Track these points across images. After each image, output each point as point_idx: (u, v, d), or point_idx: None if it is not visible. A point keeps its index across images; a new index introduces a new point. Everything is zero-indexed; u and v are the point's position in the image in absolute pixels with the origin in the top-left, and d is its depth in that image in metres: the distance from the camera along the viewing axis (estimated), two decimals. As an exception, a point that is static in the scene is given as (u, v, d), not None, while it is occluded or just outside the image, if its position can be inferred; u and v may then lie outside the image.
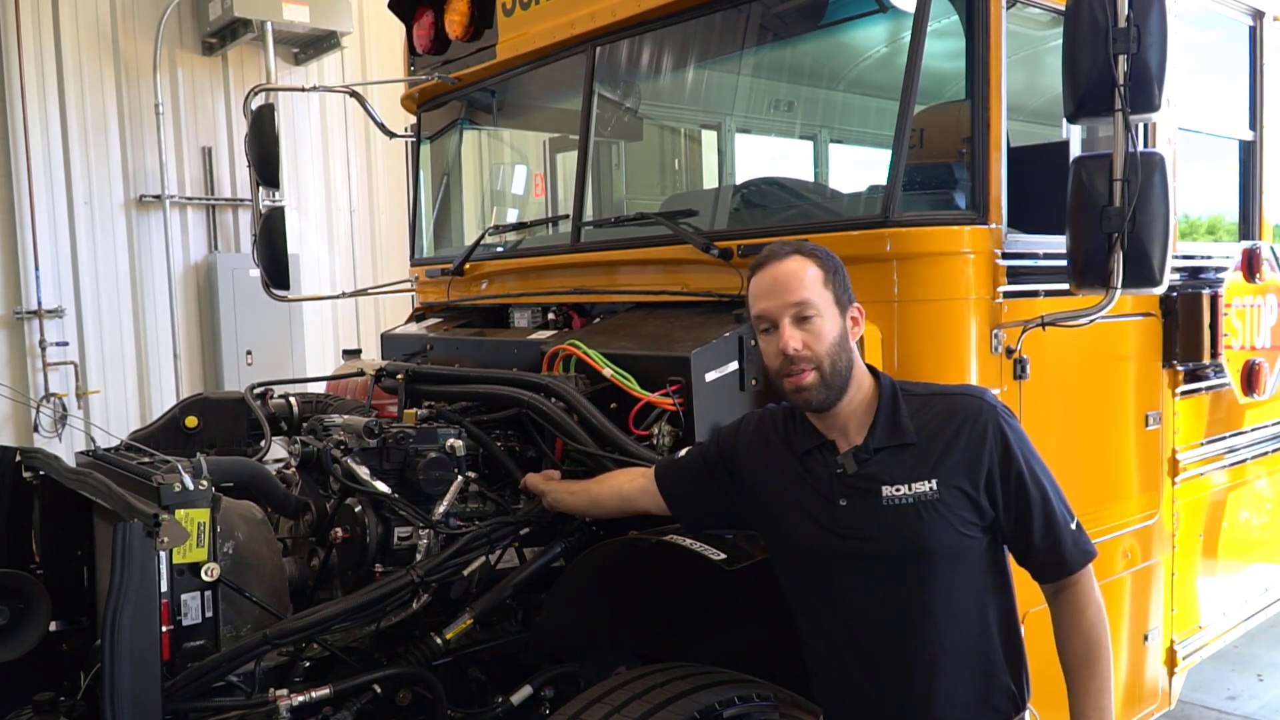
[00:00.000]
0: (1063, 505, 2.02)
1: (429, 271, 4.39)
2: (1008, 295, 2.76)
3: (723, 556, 2.19)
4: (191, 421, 3.41)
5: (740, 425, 2.30)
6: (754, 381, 2.78)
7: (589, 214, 3.62)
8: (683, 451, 2.43)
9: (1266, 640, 5.33)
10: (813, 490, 2.07)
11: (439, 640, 2.48)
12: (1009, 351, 2.75)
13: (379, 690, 2.39)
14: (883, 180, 2.76)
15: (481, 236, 4.05)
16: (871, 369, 2.13)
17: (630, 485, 2.46)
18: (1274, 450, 4.09)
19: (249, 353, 8.67)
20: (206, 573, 2.22)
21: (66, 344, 7.97)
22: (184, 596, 2.21)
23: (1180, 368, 3.42)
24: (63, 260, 7.99)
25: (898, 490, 1.97)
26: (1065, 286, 2.55)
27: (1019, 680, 2.07)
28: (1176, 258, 3.25)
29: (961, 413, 2.01)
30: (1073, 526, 2.02)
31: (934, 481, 1.95)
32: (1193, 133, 3.54)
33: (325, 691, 2.29)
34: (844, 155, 4.39)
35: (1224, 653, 4.49)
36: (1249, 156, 3.85)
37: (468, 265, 4.06)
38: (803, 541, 2.10)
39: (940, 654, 1.99)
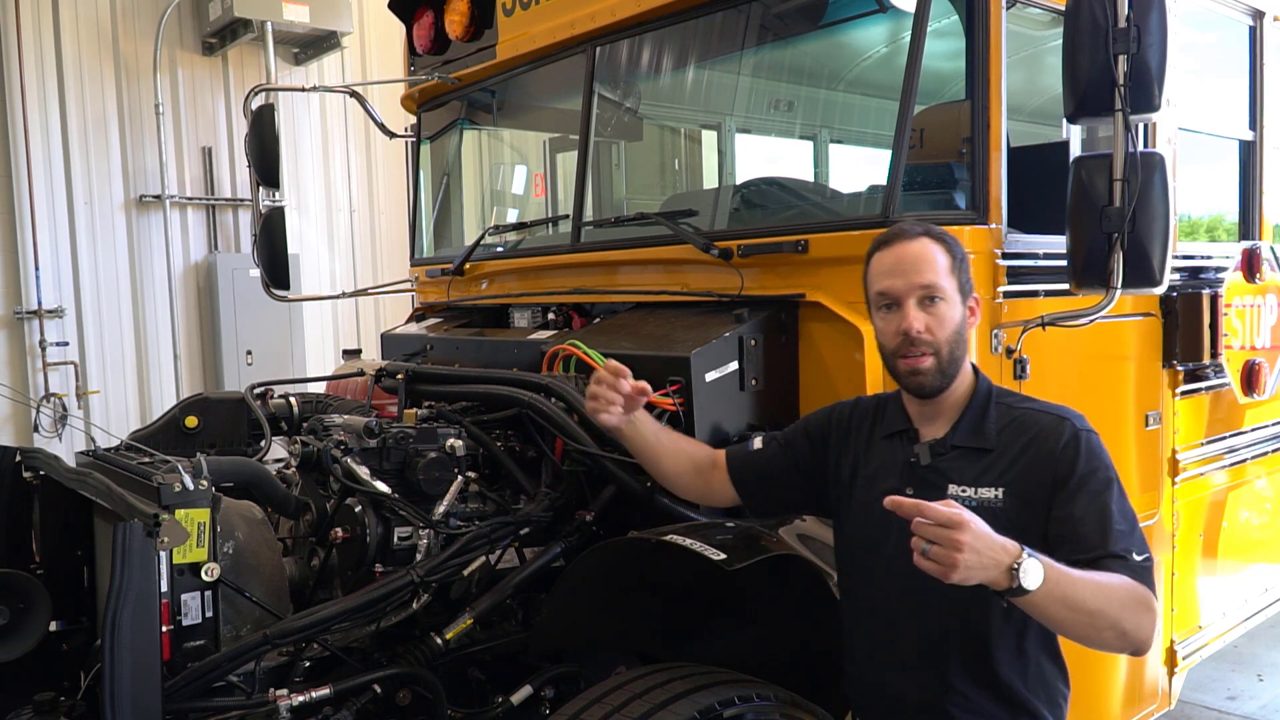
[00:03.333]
0: (1129, 527, 1.83)
1: (429, 271, 4.39)
2: (1008, 295, 2.76)
3: (723, 556, 2.19)
4: (191, 421, 3.41)
5: (833, 410, 2.28)
6: (754, 381, 2.78)
7: (589, 214, 3.62)
8: (756, 442, 2.37)
9: (1266, 640, 5.33)
10: (885, 475, 2.07)
11: (439, 640, 2.48)
12: (1009, 351, 2.75)
13: (379, 690, 2.39)
14: (883, 180, 2.76)
15: (481, 236, 4.06)
16: (973, 367, 2.09)
17: (703, 455, 2.39)
18: (1274, 450, 4.09)
19: (249, 353, 8.67)
20: (206, 573, 2.22)
21: (66, 344, 7.96)
22: (184, 596, 2.21)
23: (1180, 368, 3.42)
24: (63, 260, 7.99)
25: (964, 492, 1.94)
26: (1065, 286, 2.54)
27: (1053, 711, 2.01)
28: (1176, 258, 3.25)
29: (1041, 426, 1.95)
30: (1148, 555, 1.81)
31: (1000, 490, 1.92)
32: (1193, 133, 3.54)
33: (325, 691, 2.29)
34: (844, 155, 4.39)
35: (1224, 653, 4.48)
36: (1249, 156, 3.85)
37: (468, 265, 4.06)
38: (868, 526, 2.08)
39: (970, 662, 1.96)
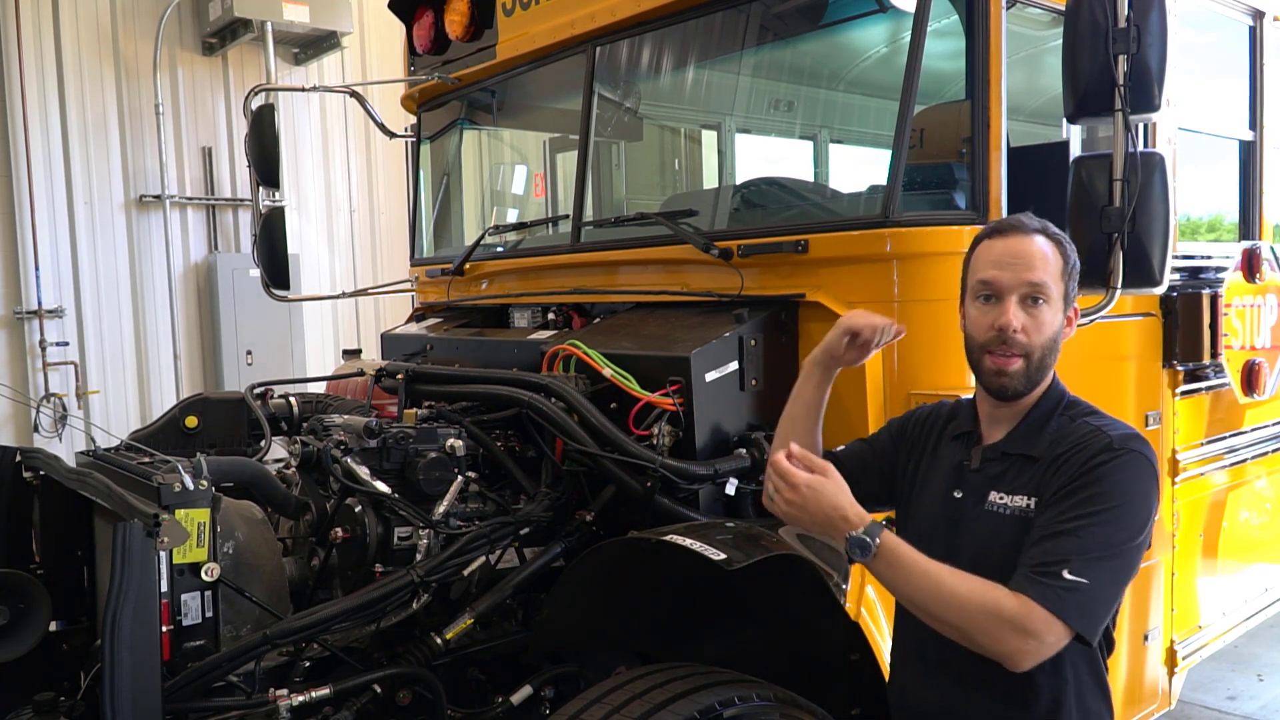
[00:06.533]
0: (1090, 553, 1.72)
1: (429, 271, 4.39)
2: (1007, 295, 2.75)
3: (723, 557, 2.19)
4: (191, 421, 3.41)
5: (917, 409, 2.25)
6: (754, 381, 2.78)
7: (589, 214, 3.62)
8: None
9: (1266, 640, 5.33)
10: (939, 476, 2.05)
11: (439, 640, 2.48)
12: (1009, 352, 2.74)
13: (379, 690, 2.39)
14: (883, 180, 2.76)
15: (481, 236, 4.06)
16: (1053, 374, 2.00)
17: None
18: (1274, 450, 4.09)
19: (249, 353, 8.67)
20: (206, 573, 2.22)
21: (66, 344, 7.97)
22: (184, 596, 2.21)
23: (1180, 368, 3.42)
24: (63, 260, 7.99)
25: (1002, 499, 1.91)
26: (1065, 286, 2.54)
27: None
28: (1176, 258, 3.25)
29: (1082, 437, 1.87)
30: (1083, 580, 1.69)
31: (1033, 500, 1.87)
32: (1193, 133, 3.54)
33: (325, 691, 2.29)
34: (844, 155, 4.39)
35: (1224, 653, 4.48)
36: (1249, 156, 3.85)
37: (468, 265, 4.06)
38: (922, 525, 2.05)
39: (1005, 676, 1.85)
